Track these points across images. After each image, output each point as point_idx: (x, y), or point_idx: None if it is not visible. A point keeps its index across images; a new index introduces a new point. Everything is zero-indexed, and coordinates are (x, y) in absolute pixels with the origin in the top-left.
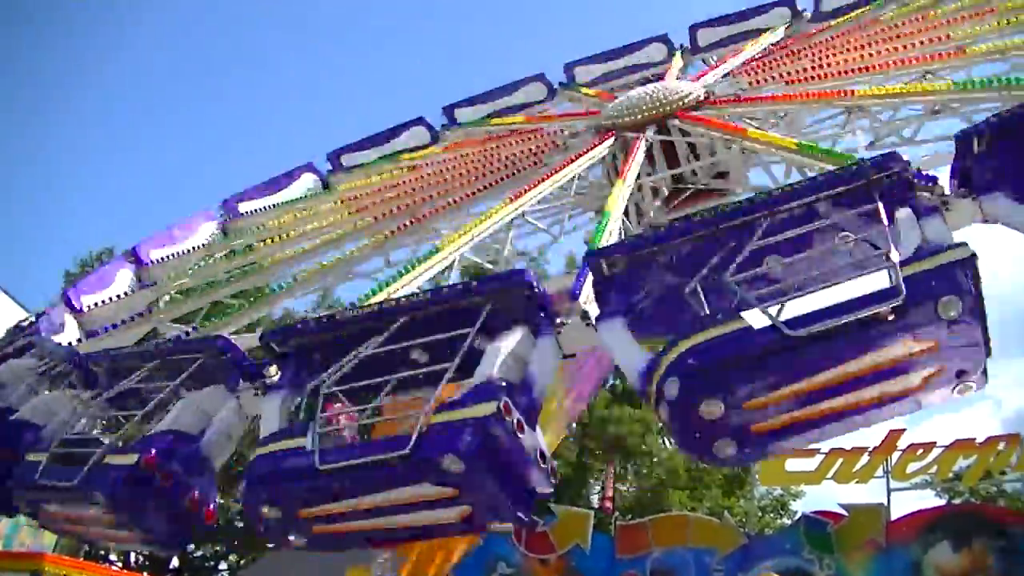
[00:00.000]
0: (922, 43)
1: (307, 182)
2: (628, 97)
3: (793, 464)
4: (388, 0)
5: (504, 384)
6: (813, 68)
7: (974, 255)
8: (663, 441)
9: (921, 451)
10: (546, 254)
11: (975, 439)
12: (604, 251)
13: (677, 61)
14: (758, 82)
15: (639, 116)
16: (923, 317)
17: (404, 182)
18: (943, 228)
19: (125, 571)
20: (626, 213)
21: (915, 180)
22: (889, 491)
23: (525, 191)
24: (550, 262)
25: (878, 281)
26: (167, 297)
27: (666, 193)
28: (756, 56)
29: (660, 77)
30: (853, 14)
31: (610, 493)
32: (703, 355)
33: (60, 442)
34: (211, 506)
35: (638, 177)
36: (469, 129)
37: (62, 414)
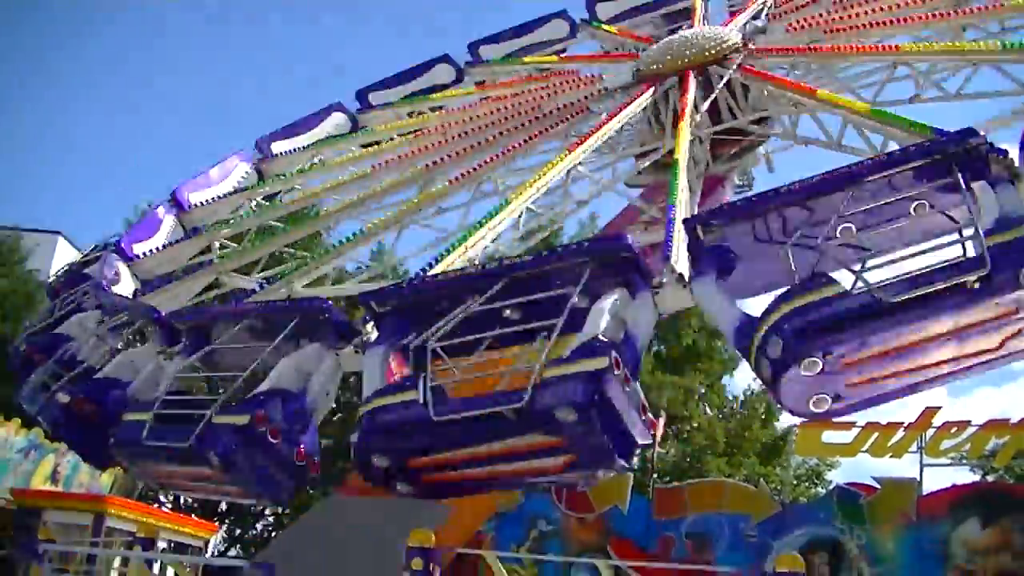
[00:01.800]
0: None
1: (337, 120)
2: (667, 43)
3: (829, 436)
4: None
5: (609, 341)
6: (850, 16)
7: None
8: (704, 408)
9: (955, 429)
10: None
11: (1009, 420)
12: (697, 218)
13: (698, 2)
14: (796, 26)
15: (681, 63)
16: (1006, 284)
17: (445, 126)
18: (1017, 198)
19: (177, 512)
20: None
21: (988, 153)
22: (922, 467)
23: (579, 143)
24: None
25: (959, 249)
26: (217, 245)
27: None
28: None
29: (682, 14)
30: None
31: (651, 456)
32: (803, 318)
33: (163, 402)
34: (316, 458)
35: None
36: (496, 67)
37: (147, 371)
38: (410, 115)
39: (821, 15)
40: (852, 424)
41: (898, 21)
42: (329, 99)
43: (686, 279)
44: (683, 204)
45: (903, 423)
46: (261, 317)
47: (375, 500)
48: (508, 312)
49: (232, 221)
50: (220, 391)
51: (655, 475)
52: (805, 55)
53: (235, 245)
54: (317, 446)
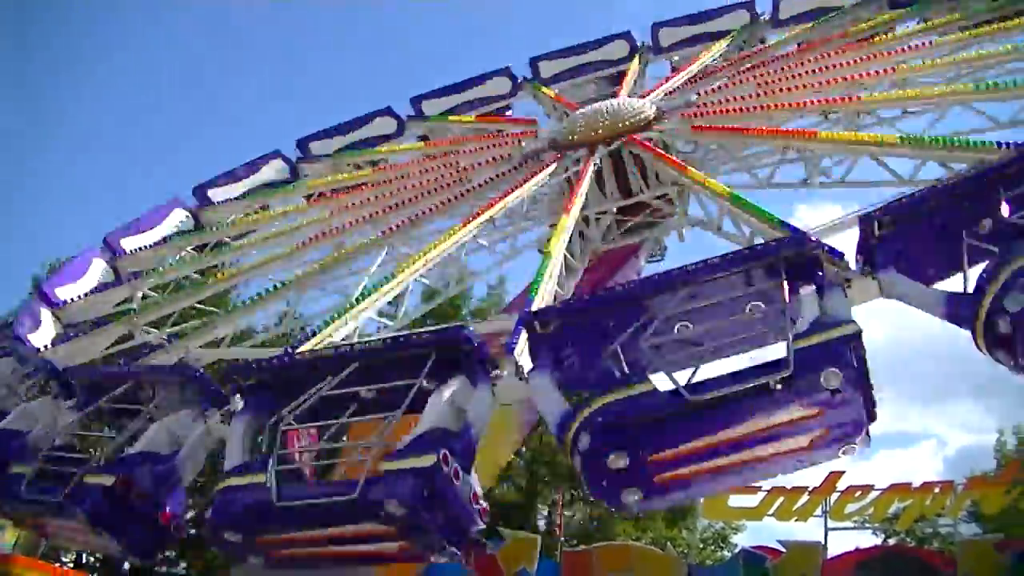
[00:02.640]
0: (859, 76)
1: (276, 167)
2: (583, 113)
3: (735, 500)
4: None
5: (442, 434)
6: (756, 95)
7: (858, 332)
8: None
9: (859, 493)
10: (507, 274)
11: (911, 483)
12: (538, 313)
13: (635, 65)
14: (705, 104)
15: (591, 135)
16: (808, 387)
17: (369, 185)
18: (843, 303)
19: (81, 572)
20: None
21: (823, 256)
22: (827, 530)
23: (478, 214)
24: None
25: (776, 351)
26: (140, 294)
27: (609, 222)
28: (705, 71)
29: (621, 76)
30: (800, 28)
31: (558, 520)
32: (613, 413)
33: (43, 458)
34: (181, 521)
35: (585, 207)
36: (432, 125)
37: (44, 423)
38: (348, 167)
39: (732, 90)
40: (758, 488)
41: (798, 104)
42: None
43: (524, 372)
44: (545, 295)
45: (808, 487)
46: (145, 379)
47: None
48: (367, 393)
49: (157, 271)
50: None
51: (563, 538)
52: (707, 134)
53: (156, 295)
54: (184, 508)
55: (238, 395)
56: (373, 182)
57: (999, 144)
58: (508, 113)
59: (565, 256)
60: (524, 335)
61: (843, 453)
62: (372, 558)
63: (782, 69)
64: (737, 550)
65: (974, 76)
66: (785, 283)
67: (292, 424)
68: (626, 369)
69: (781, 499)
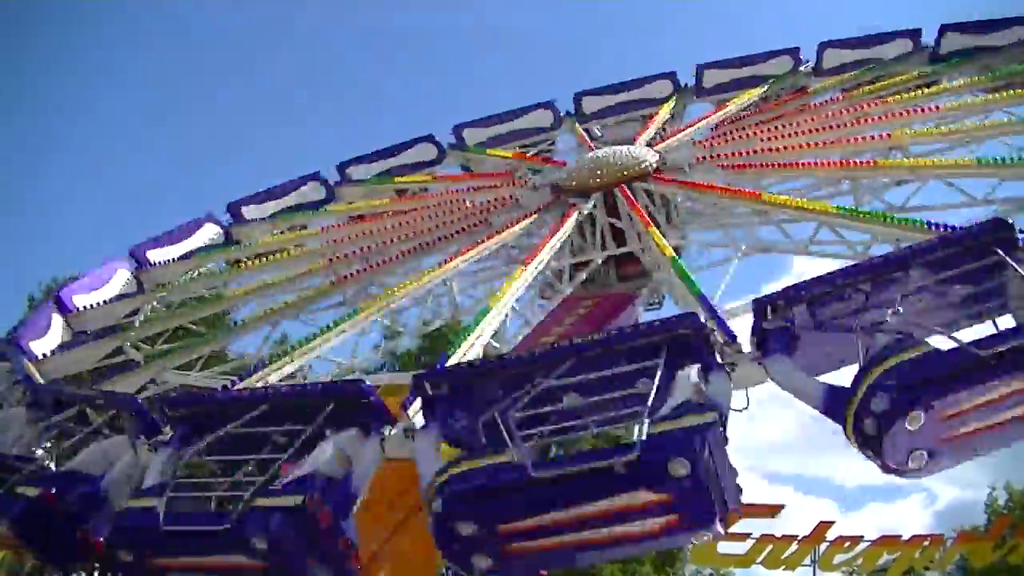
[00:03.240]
0: (855, 140)
1: (210, 231)
2: (590, 157)
3: (724, 546)
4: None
5: (319, 480)
6: (749, 152)
7: (714, 422)
8: None
9: (848, 543)
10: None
11: (901, 536)
12: (428, 375)
13: (667, 107)
14: (703, 158)
15: (589, 182)
16: (655, 474)
17: (387, 215)
18: (724, 386)
19: None
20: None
21: (713, 339)
22: None
23: (451, 258)
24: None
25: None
26: (148, 308)
27: (603, 269)
28: (723, 121)
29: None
30: (838, 78)
31: None
32: (464, 483)
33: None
34: (100, 538)
35: (564, 256)
36: (471, 155)
37: (13, 432)
38: (288, 230)
39: (734, 145)
40: (747, 535)
41: (784, 165)
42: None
43: (414, 430)
44: (467, 351)
45: (797, 536)
46: (89, 404)
47: None
48: (274, 435)
49: (168, 286)
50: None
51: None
52: (689, 189)
53: (161, 310)
54: (105, 527)
55: (167, 426)
56: (385, 213)
57: (935, 226)
58: (552, 146)
59: (515, 308)
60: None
61: (696, 539)
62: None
63: (785, 127)
64: None
65: (970, 147)
66: (662, 362)
67: (199, 456)
68: (511, 438)
69: (770, 547)
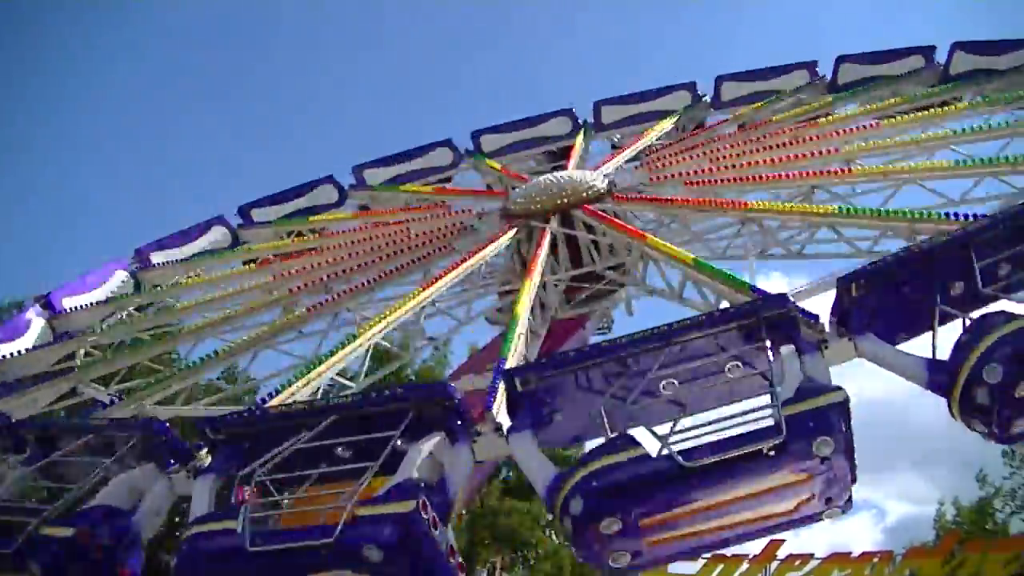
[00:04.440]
0: (812, 154)
1: (217, 233)
2: (535, 184)
3: (675, 567)
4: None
5: (420, 485)
6: (710, 170)
7: (847, 399)
8: (550, 535)
9: (799, 562)
10: (452, 339)
11: (851, 553)
12: (517, 371)
13: (580, 140)
14: (658, 178)
15: (545, 206)
16: (800, 454)
17: (317, 250)
18: (822, 365)
19: None
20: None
21: (800, 318)
22: None
23: (436, 280)
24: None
25: (759, 410)
26: (83, 352)
27: (564, 287)
28: (656, 147)
29: (565, 151)
30: (746, 109)
31: None
32: (605, 478)
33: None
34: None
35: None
36: (376, 193)
37: None
38: (288, 235)
39: (685, 164)
40: (697, 556)
41: (753, 179)
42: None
43: (504, 431)
44: (515, 356)
45: (748, 555)
46: (103, 434)
47: None
48: (339, 449)
49: (102, 330)
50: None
51: None
52: (664, 205)
53: (99, 353)
54: (141, 566)
55: (204, 450)
56: (321, 248)
57: (956, 216)
58: (449, 185)
59: (530, 319)
60: (502, 393)
61: (826, 516)
62: None
63: (731, 147)
64: None
65: (921, 157)
66: (768, 344)
67: (264, 476)
68: (613, 430)
69: (721, 566)
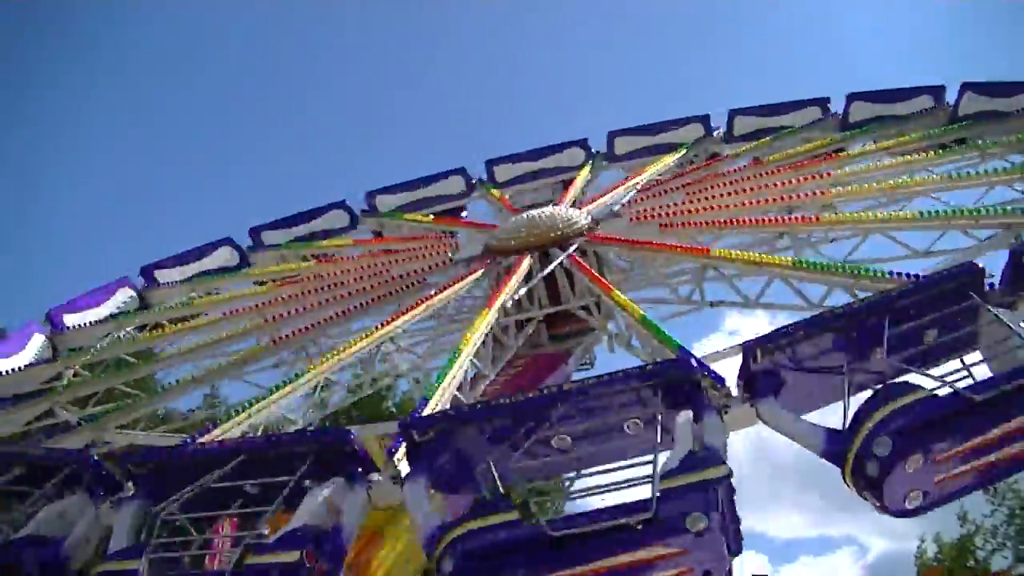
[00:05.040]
0: (789, 198)
1: (225, 254)
2: (519, 220)
3: None
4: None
5: (311, 533)
6: (687, 211)
7: (728, 475)
8: None
9: None
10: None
11: None
12: (416, 422)
13: (584, 173)
14: (635, 218)
15: (524, 242)
16: (672, 529)
17: (307, 279)
18: (719, 430)
19: None
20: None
21: (705, 381)
22: None
23: (399, 315)
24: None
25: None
26: (72, 372)
27: (537, 328)
28: (648, 184)
29: (570, 183)
30: (750, 145)
31: None
32: (476, 541)
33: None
34: None
35: (508, 313)
36: (385, 220)
37: None
38: (305, 259)
39: (668, 207)
40: None
41: (728, 222)
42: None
43: (401, 477)
44: (441, 399)
45: None
46: (36, 462)
47: None
48: (249, 488)
49: (92, 350)
50: None
51: None
52: (631, 247)
53: (86, 374)
54: None
55: (130, 482)
56: (311, 275)
57: (898, 275)
58: (464, 214)
59: (473, 361)
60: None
61: None
62: None
63: (713, 187)
64: None
65: (901, 204)
66: (662, 409)
67: (174, 513)
68: (495, 489)
69: None
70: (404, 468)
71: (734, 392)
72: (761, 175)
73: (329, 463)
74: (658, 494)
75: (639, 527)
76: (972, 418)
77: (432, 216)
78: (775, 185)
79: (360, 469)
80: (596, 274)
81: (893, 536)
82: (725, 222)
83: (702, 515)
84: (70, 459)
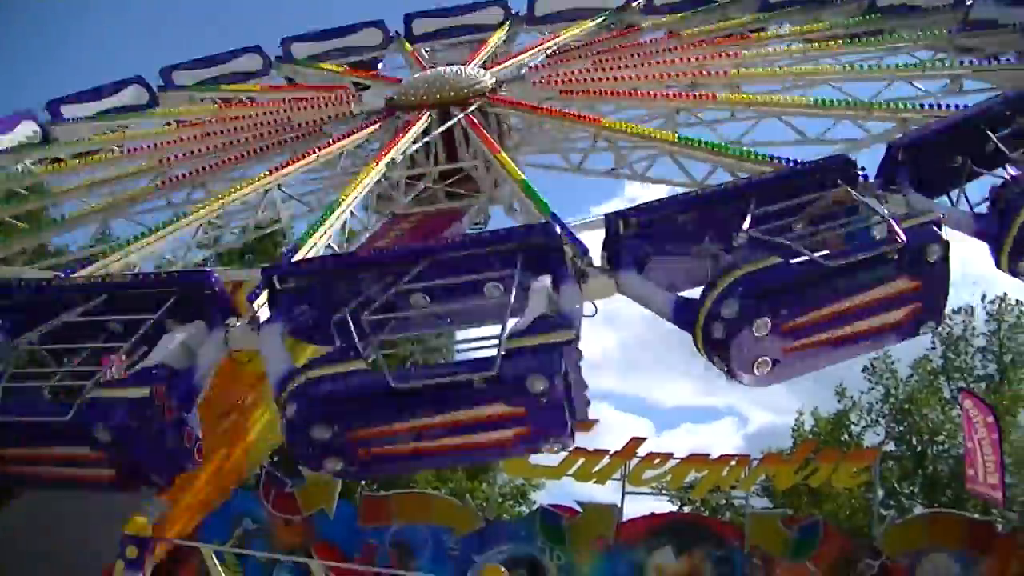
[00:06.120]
0: (696, 74)
1: (133, 93)
2: (422, 76)
3: (536, 458)
4: None
5: (164, 372)
6: (592, 79)
7: (575, 339)
8: None
9: (658, 460)
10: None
11: (709, 455)
12: (277, 269)
13: (498, 34)
14: (541, 82)
15: (425, 99)
16: (513, 388)
17: (211, 122)
18: (575, 298)
19: None
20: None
21: (567, 249)
22: (624, 494)
23: (290, 163)
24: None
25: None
26: None
27: (432, 187)
28: (558, 50)
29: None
30: (672, 17)
31: None
32: (322, 387)
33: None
34: (200, 444)
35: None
36: (300, 68)
37: None
38: (213, 101)
39: (573, 74)
40: (559, 449)
41: (628, 94)
42: None
43: (258, 322)
44: (313, 248)
45: (608, 451)
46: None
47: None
48: (112, 326)
49: None
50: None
51: (363, 482)
52: (529, 112)
53: None
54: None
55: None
56: (212, 119)
57: (779, 159)
58: (380, 66)
59: (354, 213)
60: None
61: (545, 450)
62: (85, 482)
63: (629, 57)
64: (535, 507)
65: (804, 90)
66: (518, 272)
67: (32, 345)
68: (347, 340)
69: (581, 460)
70: (263, 314)
71: (597, 262)
72: (670, 49)
73: (190, 305)
74: (502, 353)
75: (483, 384)
76: (824, 288)
77: (345, 67)
78: (681, 60)
79: (220, 312)
80: (487, 136)
81: (774, 409)
82: (624, 93)
83: (542, 377)
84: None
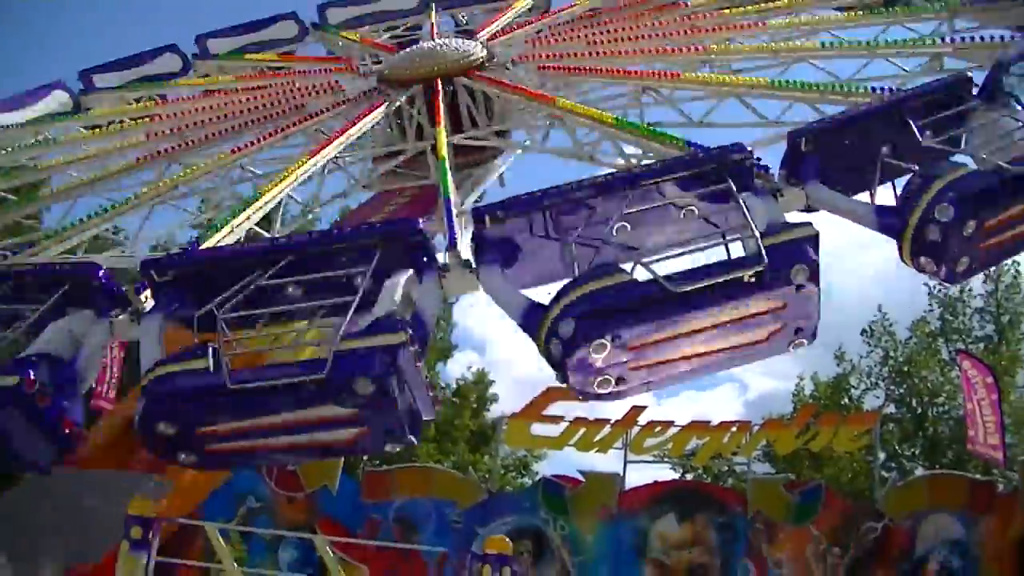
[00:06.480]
0: (669, 50)
1: (59, 98)
2: (415, 51)
3: (538, 428)
4: None
5: (43, 360)
6: (582, 53)
7: (402, 343)
8: None
9: (659, 428)
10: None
11: (709, 421)
12: (151, 261)
13: (434, 16)
14: (525, 57)
15: (429, 71)
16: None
17: (179, 114)
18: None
19: None
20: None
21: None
22: (626, 462)
23: (330, 140)
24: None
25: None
26: None
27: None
28: (520, 24)
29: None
30: None
31: None
32: (164, 385)
33: None
34: (80, 430)
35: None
36: (223, 63)
37: None
38: (137, 101)
39: (557, 49)
40: (561, 418)
41: (643, 52)
42: None
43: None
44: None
45: (610, 420)
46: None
47: (92, 473)
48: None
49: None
50: None
51: (365, 457)
52: (502, 89)
53: None
54: (82, 417)
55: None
56: (198, 108)
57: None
58: (417, 31)
59: (291, 195)
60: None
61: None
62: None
63: (625, 30)
64: (537, 478)
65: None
66: (370, 269)
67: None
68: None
69: (583, 430)
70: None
71: (464, 257)
72: (673, 21)
73: (80, 295)
74: (332, 355)
75: (311, 387)
76: (673, 307)
77: (277, 54)
78: (671, 34)
79: (106, 303)
80: (440, 112)
81: (774, 375)
82: (594, 69)
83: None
84: (76, 273)
